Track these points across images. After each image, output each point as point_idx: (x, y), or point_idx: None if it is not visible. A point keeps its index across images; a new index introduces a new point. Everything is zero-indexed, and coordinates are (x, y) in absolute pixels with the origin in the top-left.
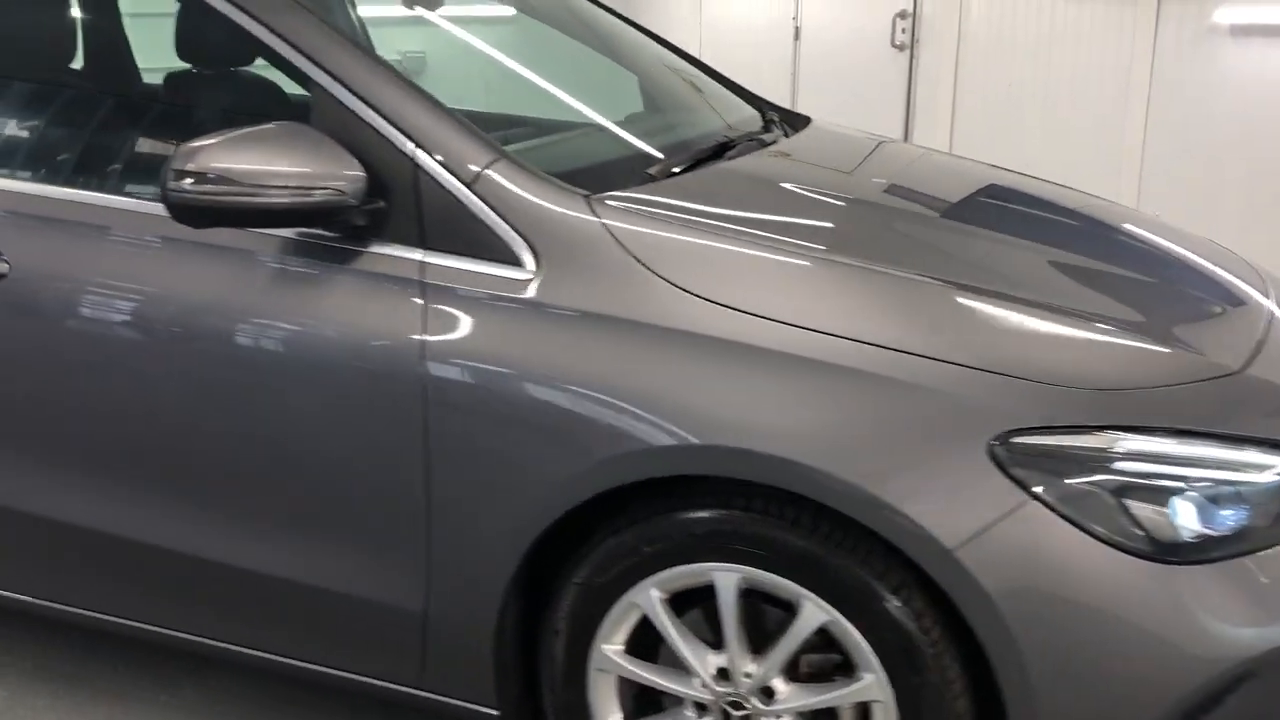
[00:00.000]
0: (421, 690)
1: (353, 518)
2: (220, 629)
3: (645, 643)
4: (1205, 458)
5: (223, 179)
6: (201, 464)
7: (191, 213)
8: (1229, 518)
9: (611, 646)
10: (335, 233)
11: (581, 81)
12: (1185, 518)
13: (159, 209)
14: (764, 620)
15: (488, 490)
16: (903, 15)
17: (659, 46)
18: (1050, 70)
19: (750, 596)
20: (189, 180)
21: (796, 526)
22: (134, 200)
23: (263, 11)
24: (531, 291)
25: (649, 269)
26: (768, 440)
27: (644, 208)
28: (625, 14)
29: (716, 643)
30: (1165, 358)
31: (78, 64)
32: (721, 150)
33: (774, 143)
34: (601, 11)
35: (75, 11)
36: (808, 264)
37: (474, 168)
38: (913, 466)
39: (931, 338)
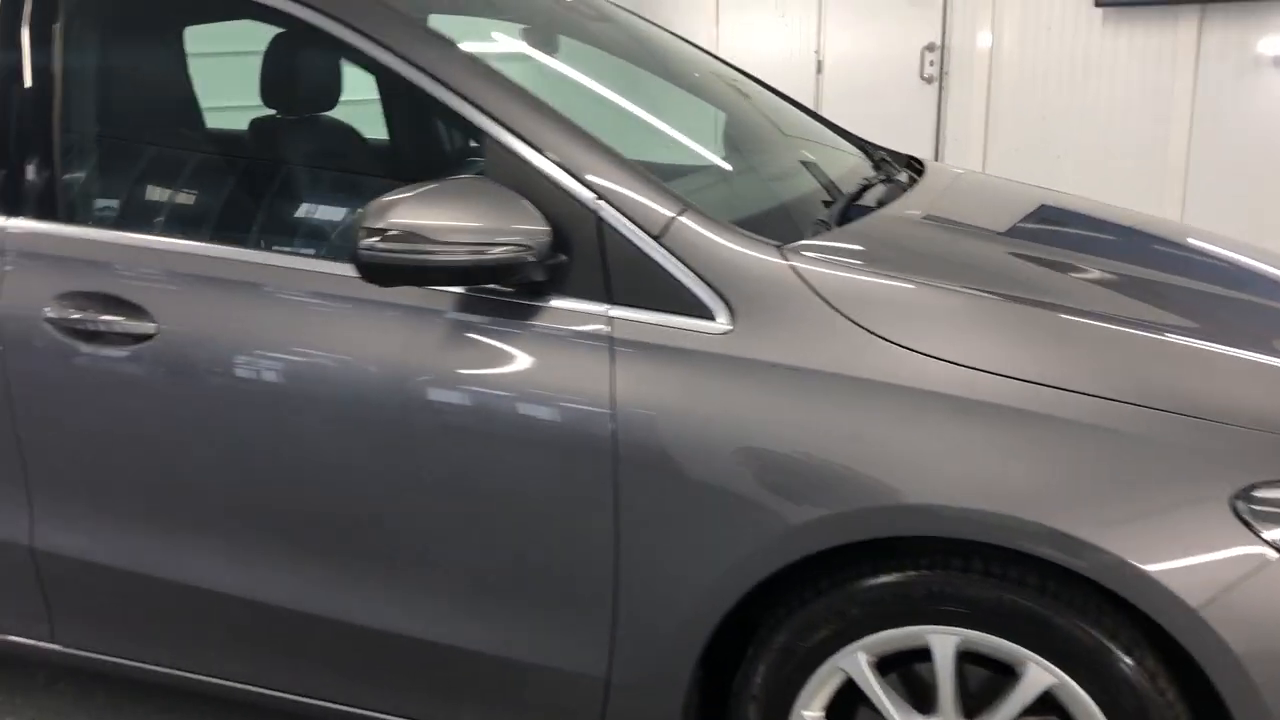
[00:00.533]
0: None
1: (535, 582)
2: (381, 701)
3: (840, 707)
4: None
5: (415, 236)
6: (369, 532)
7: (382, 271)
8: None
9: (811, 713)
10: (510, 288)
11: (677, 121)
12: None
13: (316, 265)
14: (967, 681)
15: (682, 554)
16: (931, 48)
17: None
18: (1086, 99)
19: (960, 658)
20: (378, 238)
21: (1022, 587)
22: (288, 256)
23: (435, 66)
24: (726, 346)
25: (851, 320)
26: (992, 499)
27: (836, 256)
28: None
29: (919, 706)
30: None
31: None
32: (860, 194)
33: (909, 185)
34: (673, 42)
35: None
36: (1012, 311)
37: (661, 220)
38: (1150, 522)
39: (1151, 387)
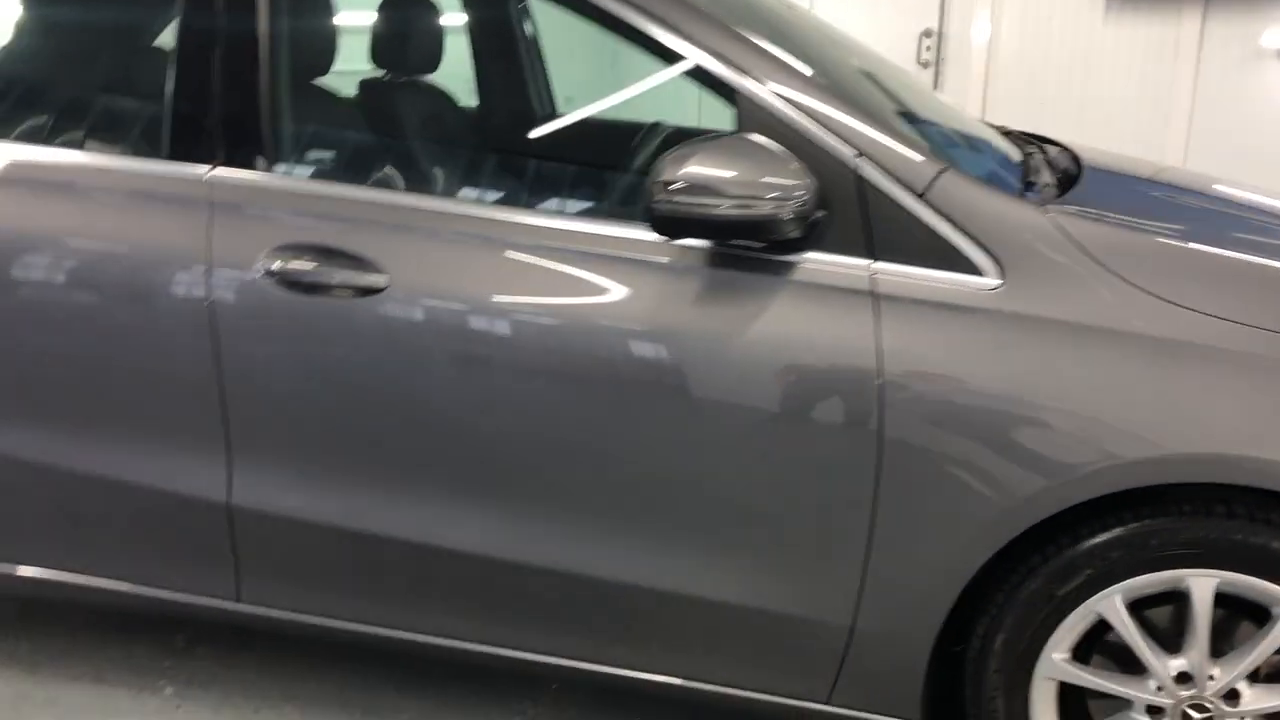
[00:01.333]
0: (829, 706)
1: (787, 533)
2: (613, 656)
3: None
4: None
5: (708, 189)
6: (624, 491)
7: (675, 224)
8: None
9: (1060, 655)
10: (763, 243)
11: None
12: None
13: (551, 221)
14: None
15: (945, 505)
16: (928, 33)
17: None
18: (1086, 89)
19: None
20: (674, 190)
21: None
22: (524, 212)
23: (691, 28)
24: (998, 302)
25: (1118, 275)
26: (1263, 445)
27: (1091, 213)
28: None
29: (1166, 647)
30: None
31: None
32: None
33: (1072, 154)
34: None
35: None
36: (1259, 268)
37: (925, 178)
38: None
39: None
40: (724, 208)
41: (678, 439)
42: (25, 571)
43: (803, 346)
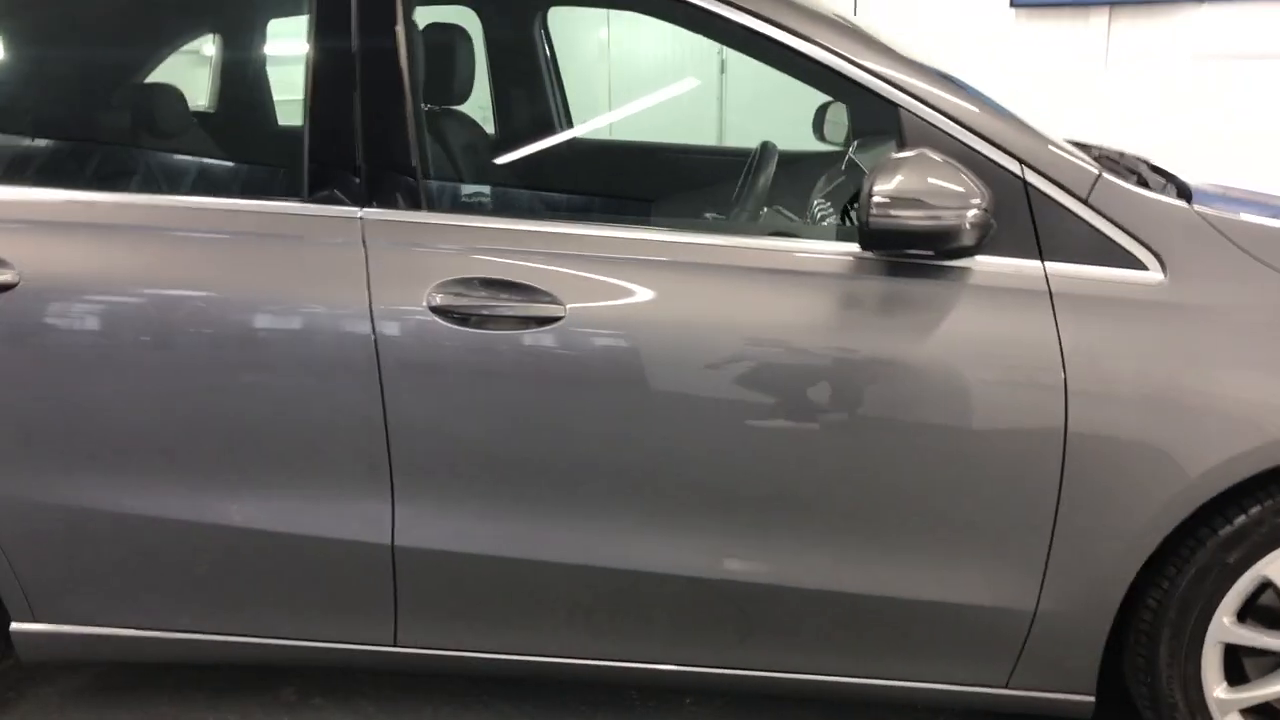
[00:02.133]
0: (1008, 690)
1: (967, 527)
2: (795, 661)
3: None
4: None
5: (916, 202)
6: (814, 499)
7: (885, 236)
8: None
9: (1229, 619)
10: (931, 251)
11: None
12: None
13: (720, 239)
14: None
15: (1126, 484)
16: None
17: None
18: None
19: None
20: (885, 206)
21: None
22: (692, 233)
23: (860, 56)
24: (1165, 294)
25: (1265, 263)
26: None
27: (1228, 211)
28: None
29: None
30: None
31: None
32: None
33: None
34: None
35: None
36: None
37: (1087, 183)
38: None
39: None
40: (925, 219)
41: (869, 448)
42: (176, 635)
43: (990, 346)
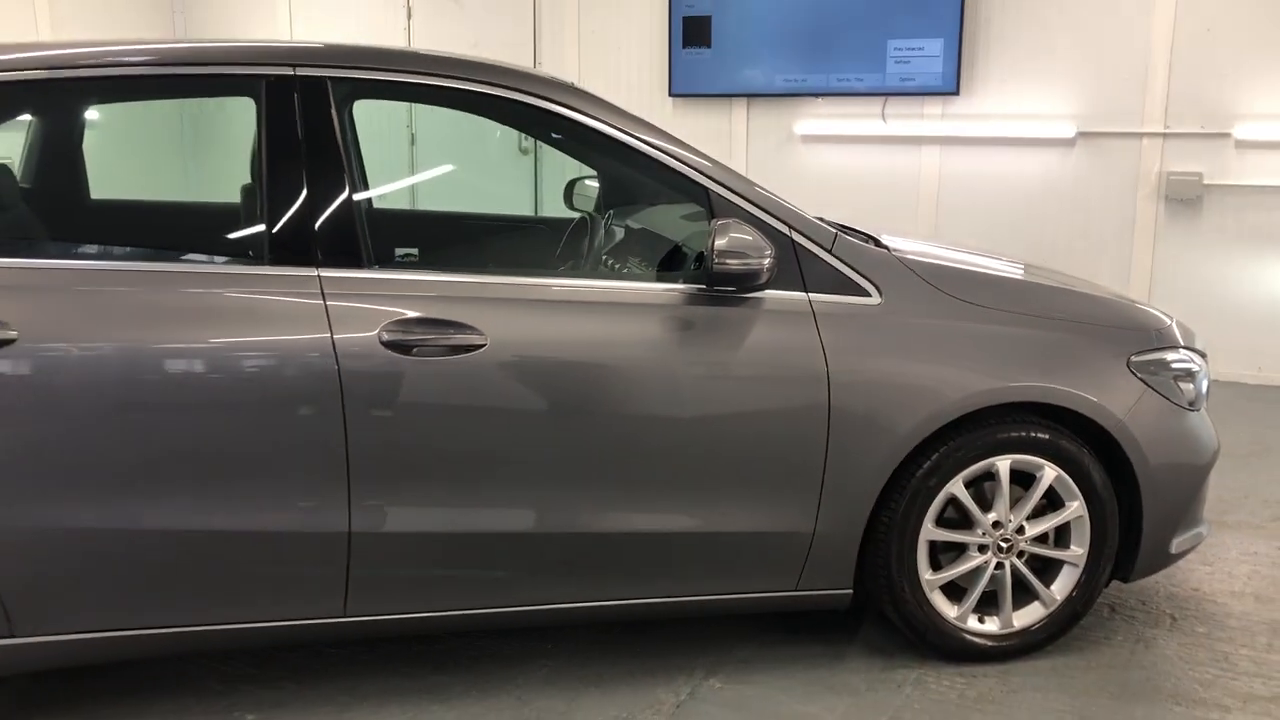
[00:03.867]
0: (798, 591)
1: (772, 475)
2: (630, 590)
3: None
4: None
5: (738, 254)
6: (667, 462)
7: (721, 278)
8: (1203, 388)
9: (930, 524)
10: (731, 289)
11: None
12: (1195, 390)
13: (611, 284)
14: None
15: (867, 438)
16: None
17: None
18: None
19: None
20: (721, 256)
21: (1047, 429)
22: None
23: (679, 151)
24: (880, 311)
25: (936, 287)
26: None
27: (908, 254)
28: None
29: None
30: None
31: None
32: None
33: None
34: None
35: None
36: (1018, 274)
37: (829, 239)
38: (1099, 380)
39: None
40: (743, 265)
41: (703, 417)
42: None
43: (776, 348)
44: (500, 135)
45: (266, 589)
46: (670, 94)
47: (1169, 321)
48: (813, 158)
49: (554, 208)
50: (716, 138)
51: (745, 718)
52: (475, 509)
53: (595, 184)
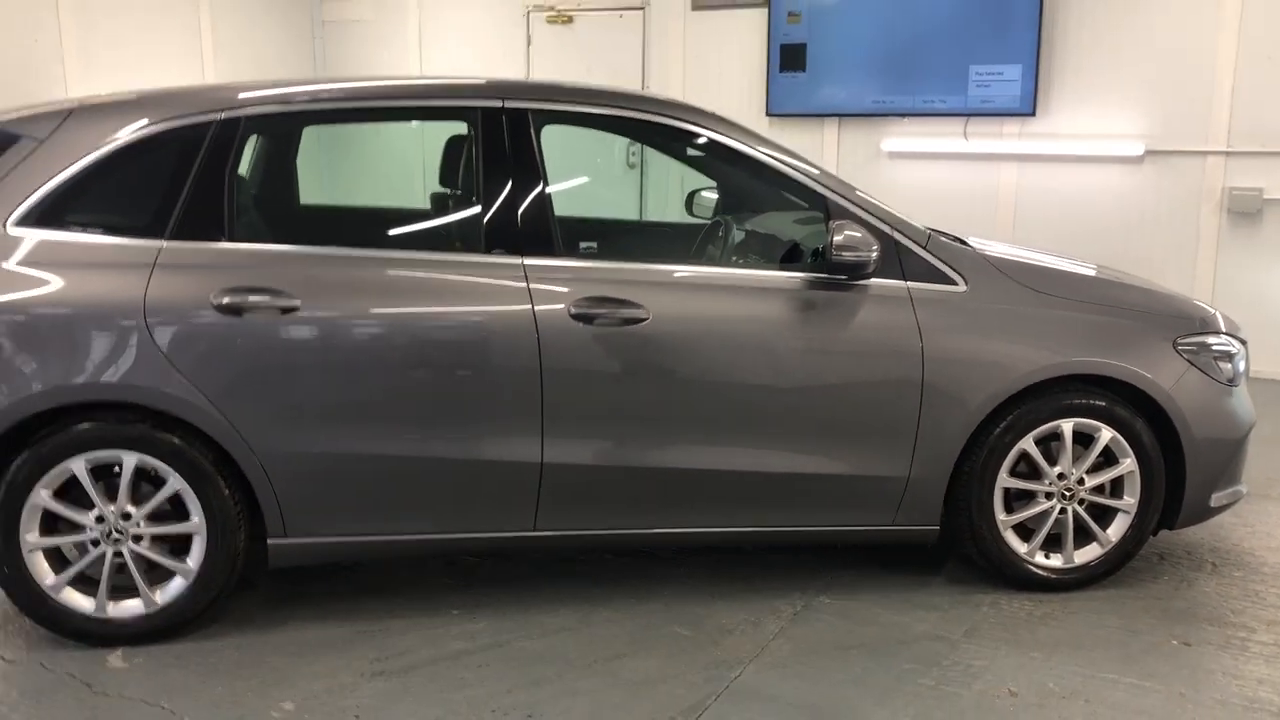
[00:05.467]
0: (893, 526)
1: (876, 428)
2: (761, 519)
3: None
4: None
5: (852, 248)
6: (779, 414)
7: (839, 268)
8: (1240, 368)
9: (1004, 474)
10: (843, 276)
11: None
12: (1233, 369)
13: (751, 273)
14: None
15: (953, 401)
16: (633, 142)
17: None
18: None
19: None
20: (841, 249)
21: (1104, 398)
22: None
23: (805, 167)
24: (966, 297)
25: (1012, 279)
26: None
27: (989, 251)
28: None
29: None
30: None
31: None
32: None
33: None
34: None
35: None
36: (1082, 270)
37: (924, 237)
38: (1148, 358)
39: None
40: (857, 257)
41: (812, 383)
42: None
43: (882, 328)
44: (616, 150)
45: (478, 506)
46: (767, 114)
47: (1213, 311)
48: (898, 173)
49: (658, 213)
50: (809, 154)
51: (850, 624)
52: (638, 449)
53: (712, 194)
